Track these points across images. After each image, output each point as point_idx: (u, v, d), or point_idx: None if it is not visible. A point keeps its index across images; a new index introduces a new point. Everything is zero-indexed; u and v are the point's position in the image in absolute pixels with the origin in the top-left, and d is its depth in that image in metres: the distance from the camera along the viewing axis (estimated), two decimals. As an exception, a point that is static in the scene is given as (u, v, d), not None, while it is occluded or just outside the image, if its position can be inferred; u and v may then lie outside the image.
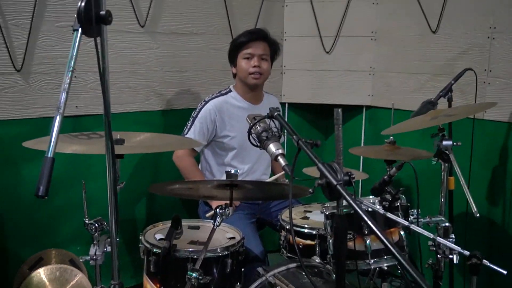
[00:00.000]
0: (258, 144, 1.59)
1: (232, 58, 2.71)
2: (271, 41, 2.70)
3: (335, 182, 1.27)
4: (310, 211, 2.51)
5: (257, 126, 1.60)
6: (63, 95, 1.17)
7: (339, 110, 1.34)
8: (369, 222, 1.16)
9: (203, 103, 2.69)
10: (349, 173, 1.34)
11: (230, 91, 2.74)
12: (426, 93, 2.91)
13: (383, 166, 2.35)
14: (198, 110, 2.68)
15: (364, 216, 1.18)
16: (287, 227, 2.31)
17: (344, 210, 1.43)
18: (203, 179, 2.67)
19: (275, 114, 1.58)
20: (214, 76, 3.16)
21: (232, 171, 1.83)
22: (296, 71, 3.49)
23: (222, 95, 2.72)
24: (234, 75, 2.77)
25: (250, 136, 1.60)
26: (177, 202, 3.06)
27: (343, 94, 3.43)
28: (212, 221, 1.87)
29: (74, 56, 1.19)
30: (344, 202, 1.32)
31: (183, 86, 3.08)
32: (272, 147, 1.54)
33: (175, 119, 3.04)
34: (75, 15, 1.20)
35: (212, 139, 2.71)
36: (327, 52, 3.40)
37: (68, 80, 1.18)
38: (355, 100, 3.42)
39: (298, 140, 1.43)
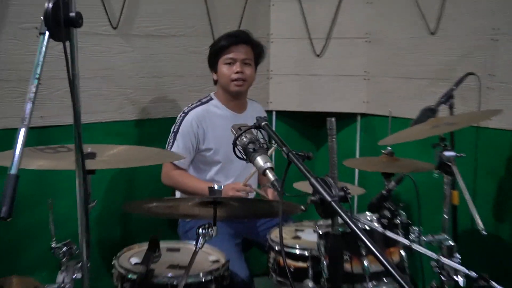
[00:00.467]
0: (244, 157, 1.58)
1: (212, 63, 2.72)
2: (255, 44, 2.72)
3: (329, 199, 1.27)
4: (302, 230, 2.50)
5: (243, 137, 1.59)
6: (29, 105, 1.16)
7: (333, 119, 1.35)
8: (367, 242, 1.16)
9: (182, 115, 2.69)
10: (344, 188, 1.34)
11: (211, 99, 2.74)
12: (426, 100, 2.88)
13: (380, 180, 2.35)
14: (178, 123, 2.68)
15: (361, 235, 1.18)
16: (276, 248, 2.29)
17: (339, 229, 1.44)
18: (201, 183, 2.63)
19: (263, 123, 1.58)
20: (194, 82, 3.16)
21: (216, 187, 1.83)
22: (284, 76, 3.51)
23: (202, 103, 2.72)
24: (215, 82, 2.78)
25: (235, 148, 1.59)
26: (153, 221, 3.01)
27: (335, 100, 3.45)
28: (194, 242, 1.86)
29: (40, 63, 1.19)
30: (340, 220, 1.32)
31: (160, 93, 3.08)
32: (259, 160, 1.52)
33: (151, 130, 3.04)
34: (42, 17, 1.19)
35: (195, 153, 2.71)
36: (318, 55, 3.43)
37: (34, 89, 1.18)
38: (348, 107, 3.44)
39: (288, 153, 1.43)
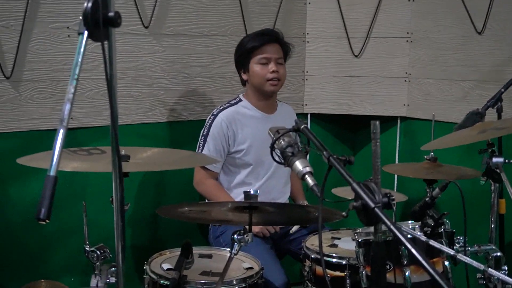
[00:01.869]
0: (283, 161, 1.59)
1: (243, 63, 2.75)
2: (283, 43, 2.77)
3: (372, 205, 1.27)
4: (339, 238, 2.53)
5: (281, 140, 1.60)
6: (67, 106, 1.20)
7: (377, 122, 1.35)
8: (413, 250, 1.17)
9: (211, 117, 2.73)
10: (388, 194, 1.34)
11: (241, 100, 2.79)
12: (471, 103, 2.91)
13: (422, 187, 2.36)
14: (207, 126, 2.72)
15: (406, 243, 1.19)
16: (312, 256, 2.32)
17: (381, 237, 1.46)
18: (231, 199, 2.68)
19: (302, 126, 1.58)
20: (226, 83, 3.20)
21: (252, 191, 1.85)
22: (320, 77, 3.51)
23: (231, 105, 2.76)
24: (244, 82, 2.81)
25: (273, 152, 1.61)
26: (184, 226, 3.07)
27: (374, 103, 3.45)
28: (229, 249, 1.89)
29: (79, 63, 1.22)
30: (383, 227, 1.33)
31: (192, 94, 3.12)
32: (298, 164, 1.53)
33: (183, 132, 3.08)
34: (81, 17, 1.23)
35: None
36: (356, 56, 3.43)
37: (73, 90, 1.21)
38: (388, 111, 3.43)
39: (329, 157, 1.44)
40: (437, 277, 1.14)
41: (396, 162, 3.46)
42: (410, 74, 3.36)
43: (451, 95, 3.13)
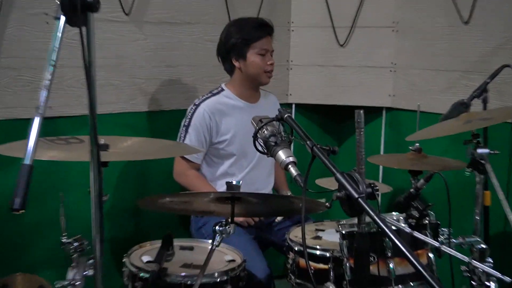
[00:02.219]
0: (265, 151, 1.59)
1: (238, 51, 2.71)
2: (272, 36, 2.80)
3: (356, 195, 1.28)
4: (323, 230, 2.53)
5: (264, 130, 1.60)
6: (44, 93, 1.19)
7: (361, 111, 1.36)
8: (397, 241, 1.17)
9: (193, 107, 2.72)
10: (372, 185, 1.36)
11: (223, 89, 2.78)
12: (457, 93, 2.93)
13: (406, 178, 2.35)
14: (189, 116, 2.71)
15: (391, 235, 1.19)
16: (296, 249, 2.32)
17: (365, 228, 1.46)
18: (214, 190, 2.68)
19: (285, 116, 1.58)
20: (210, 72, 3.17)
21: (234, 182, 1.84)
22: (305, 67, 3.51)
23: (214, 95, 2.76)
24: (231, 70, 2.78)
25: (256, 141, 1.61)
26: (165, 218, 3.06)
27: (359, 94, 3.46)
28: (208, 241, 1.89)
29: (56, 48, 1.21)
30: (366, 218, 1.33)
31: (174, 83, 3.10)
32: (281, 154, 1.54)
33: (164, 122, 3.06)
34: (57, 2, 1.21)
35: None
36: (341, 45, 3.43)
37: (50, 76, 1.20)
38: (373, 101, 3.44)
39: (312, 146, 1.44)
40: (421, 269, 1.15)
41: (381, 153, 3.47)
42: (395, 64, 3.37)
43: (436, 85, 3.14)
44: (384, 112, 3.47)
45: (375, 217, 1.24)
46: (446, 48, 3.07)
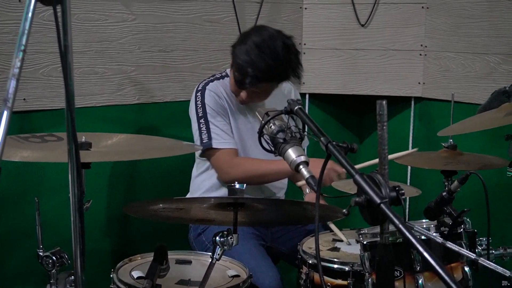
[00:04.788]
0: (273, 149, 1.59)
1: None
2: (286, 78, 2.63)
3: (378, 200, 1.26)
4: (341, 241, 2.53)
5: (271, 124, 1.60)
6: (13, 83, 1.18)
7: (383, 102, 1.35)
8: (426, 254, 1.16)
9: (198, 94, 2.65)
10: (397, 188, 1.34)
11: (227, 75, 2.74)
12: (498, 81, 2.92)
13: (439, 179, 2.36)
14: (199, 105, 2.63)
15: (418, 246, 1.18)
16: (310, 262, 2.31)
17: (389, 238, 1.45)
18: (280, 162, 2.45)
19: (296, 108, 1.57)
20: (209, 57, 3.16)
21: (237, 185, 1.83)
22: (321, 50, 3.49)
23: (217, 79, 2.72)
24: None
25: (262, 137, 1.61)
26: (159, 226, 3.06)
27: (383, 81, 3.44)
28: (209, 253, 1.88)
29: (26, 31, 1.20)
30: (391, 227, 1.32)
31: (168, 71, 3.08)
32: (291, 153, 1.54)
33: (157, 116, 3.06)
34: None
35: None
36: (362, 25, 3.42)
37: (19, 63, 1.20)
38: (400, 90, 3.43)
39: (327, 144, 1.43)
40: (453, 286, 1.13)
41: (410, 150, 3.43)
42: (426, 46, 3.35)
43: (474, 71, 3.13)
44: (413, 102, 3.46)
45: (400, 225, 1.23)
46: (485, 28, 3.06)
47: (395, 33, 3.40)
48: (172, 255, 2.15)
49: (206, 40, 3.12)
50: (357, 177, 1.33)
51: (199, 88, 2.68)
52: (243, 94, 2.60)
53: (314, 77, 3.51)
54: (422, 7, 3.33)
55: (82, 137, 1.81)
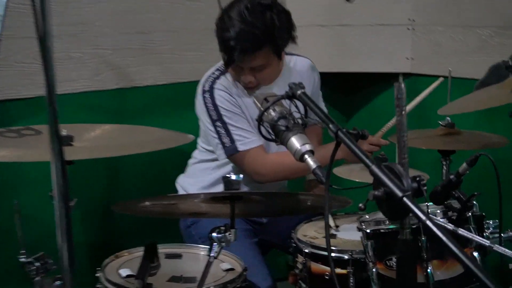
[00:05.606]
0: (273, 137, 1.54)
1: None
2: (276, 42, 2.46)
3: (400, 193, 1.19)
4: (337, 226, 2.46)
5: (271, 111, 1.54)
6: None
7: (402, 84, 1.30)
8: (460, 255, 1.08)
9: (207, 96, 2.48)
10: (418, 178, 1.29)
11: None
12: (491, 54, 2.88)
13: (434, 159, 2.35)
14: (212, 108, 2.47)
15: (450, 245, 1.10)
16: (306, 251, 2.25)
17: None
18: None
19: (298, 92, 1.50)
20: (192, 38, 3.09)
21: (233, 176, 1.75)
22: (305, 27, 3.37)
23: (222, 73, 2.54)
24: None
25: (261, 125, 1.55)
26: (145, 219, 3.00)
27: (371, 58, 3.42)
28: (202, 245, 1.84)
29: (1, 17, 1.07)
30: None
31: (148, 53, 3.02)
32: (294, 141, 1.47)
33: (138, 101, 3.01)
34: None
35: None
36: (348, 0, 3.30)
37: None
38: (388, 66, 3.40)
39: (337, 131, 1.37)
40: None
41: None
42: (414, 20, 3.32)
43: (465, 45, 3.10)
44: (401, 79, 3.41)
45: (428, 222, 1.15)
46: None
47: (383, 7, 3.36)
48: (161, 249, 2.06)
49: (188, 20, 3.07)
50: (374, 168, 1.27)
51: (205, 89, 2.52)
52: (243, 77, 2.47)
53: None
54: (409, -21, 3.32)
55: (63, 130, 1.71)
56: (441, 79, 2.55)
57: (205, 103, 2.50)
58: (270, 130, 1.54)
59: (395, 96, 1.29)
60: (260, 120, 1.54)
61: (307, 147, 1.46)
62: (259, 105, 1.56)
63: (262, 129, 1.55)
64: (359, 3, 3.32)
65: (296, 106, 1.56)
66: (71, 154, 1.63)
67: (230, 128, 2.46)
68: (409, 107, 2.54)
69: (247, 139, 2.46)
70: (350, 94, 3.64)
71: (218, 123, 2.48)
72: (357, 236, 2.09)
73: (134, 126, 2.14)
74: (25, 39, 2.58)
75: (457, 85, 2.63)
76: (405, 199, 1.18)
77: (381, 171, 1.24)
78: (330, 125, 1.38)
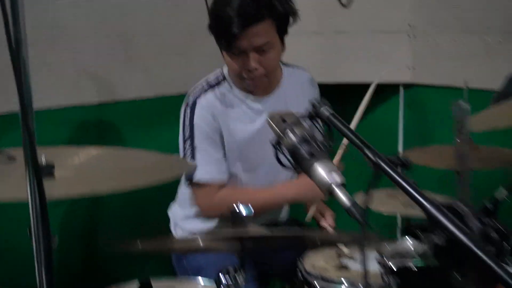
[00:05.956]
0: (294, 165, 1.35)
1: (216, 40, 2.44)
2: (277, 13, 2.38)
3: (470, 244, 0.98)
4: (349, 256, 2.29)
5: (290, 133, 1.35)
6: None
7: (461, 102, 1.09)
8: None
9: (188, 110, 2.41)
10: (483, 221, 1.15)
11: (224, 79, 2.47)
12: (498, 62, 2.84)
13: (443, 176, 2.19)
14: (187, 124, 2.40)
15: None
16: (316, 283, 2.08)
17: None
18: (267, 191, 2.44)
19: (326, 113, 1.36)
20: (177, 43, 3.05)
21: (244, 210, 1.62)
22: (298, 35, 3.22)
23: (211, 87, 2.43)
24: None
25: (278, 152, 1.37)
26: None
27: (368, 67, 3.36)
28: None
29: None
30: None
31: (131, 61, 2.94)
32: (320, 170, 1.27)
33: (123, 116, 2.94)
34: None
35: None
36: (344, 5, 3.30)
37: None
38: (387, 76, 3.27)
39: (377, 159, 1.19)
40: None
41: (400, 143, 3.43)
42: (414, 27, 3.28)
43: (469, 52, 3.05)
44: (401, 90, 3.41)
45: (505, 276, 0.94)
46: (481, 4, 2.97)
47: (380, 13, 3.32)
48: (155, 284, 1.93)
49: (173, 24, 3.01)
50: (432, 209, 1.05)
51: (189, 102, 2.42)
52: (248, 63, 2.33)
53: (292, 62, 3.28)
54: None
55: (42, 156, 1.50)
56: (373, 85, 2.55)
57: (184, 116, 2.43)
58: (289, 157, 1.34)
59: (453, 113, 1.08)
60: (278, 146, 1.36)
61: (336, 178, 1.24)
62: (274, 126, 1.38)
63: (279, 154, 1.37)
64: (356, 8, 3.36)
65: (318, 127, 1.41)
66: (54, 188, 1.42)
67: (197, 152, 2.40)
68: (353, 124, 2.57)
69: (206, 171, 2.38)
70: (346, 106, 3.50)
71: (188, 143, 2.42)
72: (373, 266, 1.92)
73: (122, 149, 1.98)
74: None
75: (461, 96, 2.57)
76: (477, 250, 0.96)
77: (441, 212, 1.03)
78: (367, 151, 1.22)
